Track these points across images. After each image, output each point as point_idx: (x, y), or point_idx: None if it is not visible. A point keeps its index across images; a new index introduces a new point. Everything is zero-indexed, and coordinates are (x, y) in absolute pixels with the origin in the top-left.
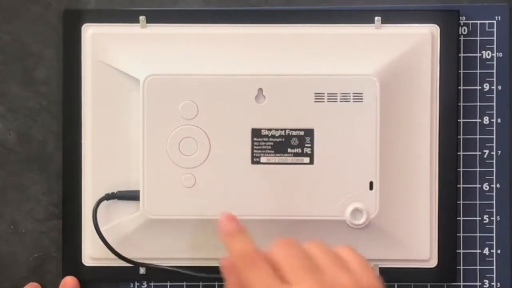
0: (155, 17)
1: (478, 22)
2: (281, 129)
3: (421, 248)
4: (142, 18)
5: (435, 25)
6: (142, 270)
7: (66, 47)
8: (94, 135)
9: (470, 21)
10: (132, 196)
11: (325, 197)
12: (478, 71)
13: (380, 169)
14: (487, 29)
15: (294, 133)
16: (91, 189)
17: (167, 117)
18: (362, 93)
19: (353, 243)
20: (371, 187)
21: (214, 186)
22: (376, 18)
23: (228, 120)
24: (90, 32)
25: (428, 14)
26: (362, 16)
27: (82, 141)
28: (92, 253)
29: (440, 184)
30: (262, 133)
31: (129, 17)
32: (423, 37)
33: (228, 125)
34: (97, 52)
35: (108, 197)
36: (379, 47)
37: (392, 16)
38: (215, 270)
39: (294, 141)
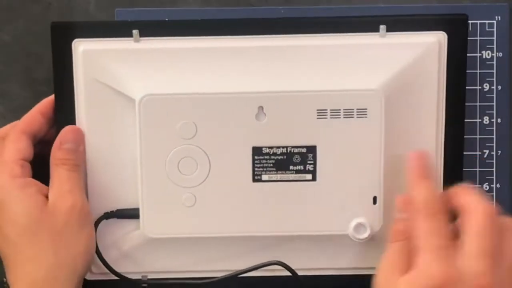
0: (148, 30)
1: (478, 22)
2: (283, 147)
3: None
4: (135, 32)
5: (443, 33)
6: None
7: (56, 64)
8: (90, 153)
9: (470, 21)
10: (131, 214)
11: (327, 213)
12: (478, 71)
13: (384, 183)
14: (487, 29)
15: (296, 150)
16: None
17: (165, 137)
18: (366, 109)
19: (356, 254)
20: (374, 202)
21: (215, 205)
22: (381, 26)
23: (228, 139)
24: (81, 49)
25: (435, 21)
26: (366, 25)
27: None
28: (93, 268)
29: None
30: (263, 151)
31: (122, 30)
32: (430, 46)
33: (228, 144)
34: (89, 69)
35: (108, 216)
36: (384, 57)
37: (397, 23)
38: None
39: (296, 158)
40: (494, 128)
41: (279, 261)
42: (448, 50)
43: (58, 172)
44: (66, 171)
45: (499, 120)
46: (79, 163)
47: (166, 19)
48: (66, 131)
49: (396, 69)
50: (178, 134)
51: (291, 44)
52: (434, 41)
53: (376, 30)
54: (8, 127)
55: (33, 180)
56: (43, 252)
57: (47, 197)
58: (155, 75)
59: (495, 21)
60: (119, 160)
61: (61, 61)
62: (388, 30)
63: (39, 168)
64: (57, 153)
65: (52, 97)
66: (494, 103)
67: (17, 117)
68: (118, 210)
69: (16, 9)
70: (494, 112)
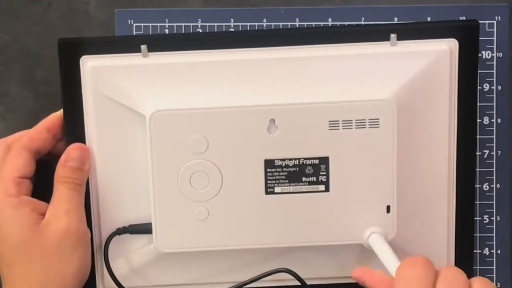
0: (157, 45)
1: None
2: (295, 159)
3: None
4: (143, 47)
5: (454, 40)
6: None
7: (64, 81)
8: (101, 169)
9: None
10: (144, 229)
11: (341, 223)
12: (478, 71)
13: (397, 192)
14: (487, 29)
15: (309, 161)
16: (101, 224)
17: (176, 152)
18: (378, 119)
19: (371, 262)
20: (388, 211)
21: (228, 218)
22: (391, 35)
23: (239, 152)
24: (89, 65)
25: (446, 28)
26: (376, 34)
27: (89, 176)
28: (106, 283)
29: (458, 202)
30: (276, 164)
31: (130, 45)
32: (442, 54)
33: (240, 157)
34: (98, 86)
35: (120, 231)
36: (395, 66)
37: (407, 32)
38: None
39: (309, 170)
40: (494, 128)
41: (287, 269)
42: (460, 57)
43: (60, 191)
44: (67, 190)
45: (499, 120)
46: (82, 183)
47: (174, 32)
48: (73, 148)
49: (408, 77)
50: (190, 149)
51: (301, 56)
52: (446, 49)
53: (387, 39)
54: (17, 135)
55: (28, 198)
56: (33, 271)
57: (44, 214)
58: (164, 90)
59: (495, 21)
60: (130, 176)
61: (69, 78)
62: (398, 38)
63: (45, 179)
64: (61, 170)
65: (60, 113)
66: (494, 103)
67: (17, 117)
68: (130, 226)
69: (16, 9)
70: (494, 112)
